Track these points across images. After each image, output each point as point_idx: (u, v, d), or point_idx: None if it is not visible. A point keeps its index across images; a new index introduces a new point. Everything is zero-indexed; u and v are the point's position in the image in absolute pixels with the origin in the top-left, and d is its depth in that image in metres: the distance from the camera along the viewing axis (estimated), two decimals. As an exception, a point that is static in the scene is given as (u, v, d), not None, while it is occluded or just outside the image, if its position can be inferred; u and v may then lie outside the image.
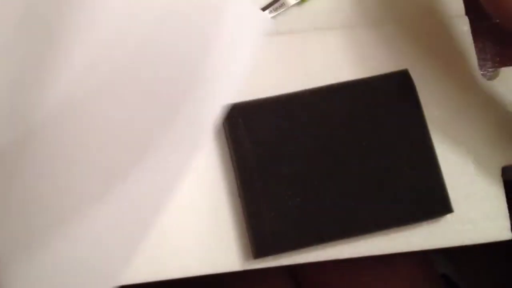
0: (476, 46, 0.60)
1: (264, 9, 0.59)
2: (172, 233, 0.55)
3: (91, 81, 0.40)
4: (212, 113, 0.44)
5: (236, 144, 0.55)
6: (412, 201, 0.55)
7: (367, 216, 0.54)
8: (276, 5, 0.59)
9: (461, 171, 0.57)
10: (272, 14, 0.59)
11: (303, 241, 0.54)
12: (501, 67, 0.61)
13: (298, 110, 0.56)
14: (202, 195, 0.56)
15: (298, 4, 0.60)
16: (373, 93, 0.57)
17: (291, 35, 0.60)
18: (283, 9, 0.59)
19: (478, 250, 0.59)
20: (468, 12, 0.61)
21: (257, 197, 0.54)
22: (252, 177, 0.54)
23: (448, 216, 0.56)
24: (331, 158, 0.55)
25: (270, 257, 0.54)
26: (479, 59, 0.60)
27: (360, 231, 0.55)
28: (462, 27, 0.60)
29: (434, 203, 0.55)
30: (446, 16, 0.61)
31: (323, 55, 0.59)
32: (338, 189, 0.54)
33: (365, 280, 0.70)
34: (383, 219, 0.54)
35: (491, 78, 0.60)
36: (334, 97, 0.56)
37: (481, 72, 0.60)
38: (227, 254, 0.55)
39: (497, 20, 0.50)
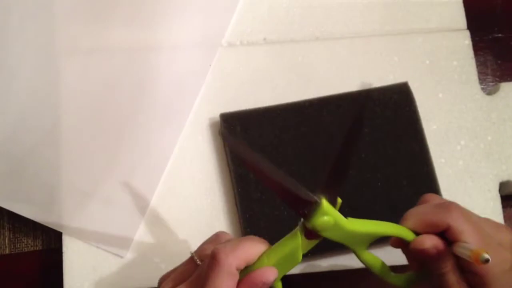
0: (476, 60, 0.60)
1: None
2: (167, 240, 0.55)
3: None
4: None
5: (233, 152, 0.55)
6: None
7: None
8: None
9: (458, 186, 0.57)
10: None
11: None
12: (502, 81, 0.61)
13: (296, 121, 0.56)
14: (199, 203, 0.56)
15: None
16: (373, 105, 0.56)
17: (292, 44, 0.60)
18: None
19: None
20: (470, 26, 0.61)
21: (253, 205, 0.54)
22: (249, 186, 0.54)
23: (445, 230, 0.55)
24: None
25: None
26: (479, 73, 0.60)
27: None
28: (464, 41, 0.60)
29: (431, 216, 0.55)
30: (448, 29, 0.61)
31: (324, 65, 0.59)
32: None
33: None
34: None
35: (490, 92, 0.59)
36: (333, 108, 0.56)
37: (481, 86, 0.60)
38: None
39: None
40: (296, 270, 0.54)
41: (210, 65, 0.59)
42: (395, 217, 0.53)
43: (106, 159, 0.56)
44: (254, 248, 0.40)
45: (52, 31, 0.58)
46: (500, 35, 0.64)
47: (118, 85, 0.58)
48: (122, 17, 0.59)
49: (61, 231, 0.54)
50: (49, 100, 0.57)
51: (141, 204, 0.55)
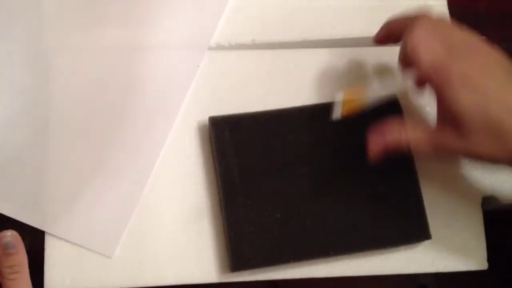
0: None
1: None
2: (151, 241, 0.55)
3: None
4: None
5: (221, 156, 0.55)
6: (391, 225, 0.55)
7: (346, 237, 0.55)
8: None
9: (442, 200, 0.58)
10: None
11: (280, 258, 0.54)
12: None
13: (285, 127, 0.56)
14: (184, 205, 0.56)
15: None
16: (361, 117, 0.56)
17: (283, 51, 0.60)
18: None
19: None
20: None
21: (238, 210, 0.54)
22: (235, 190, 0.54)
23: (426, 242, 0.56)
24: (314, 177, 0.55)
25: (246, 271, 0.54)
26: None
27: (338, 252, 0.55)
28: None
29: (413, 228, 0.55)
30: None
31: (314, 73, 0.59)
32: (319, 209, 0.55)
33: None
34: (362, 241, 0.55)
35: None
36: (322, 117, 0.56)
37: None
38: (204, 266, 0.55)
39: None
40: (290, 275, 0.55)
41: (198, 66, 0.59)
42: (376, 228, 0.54)
43: (93, 159, 0.56)
44: None
45: (41, 29, 0.58)
46: (483, 36, 0.64)
47: (105, 84, 0.58)
48: (110, 16, 0.59)
49: (46, 230, 0.54)
50: (37, 100, 0.57)
51: (127, 205, 0.55)
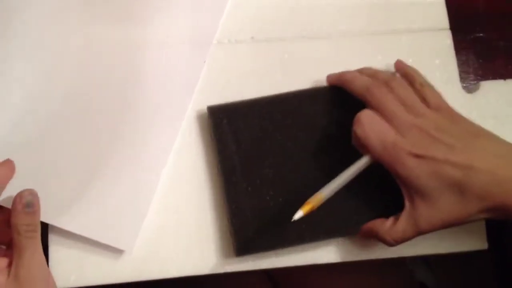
0: (459, 60, 0.62)
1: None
2: (154, 234, 0.55)
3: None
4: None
5: (220, 144, 0.56)
6: (392, 206, 0.54)
7: (349, 218, 0.55)
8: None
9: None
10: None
11: (284, 241, 0.55)
12: (483, 80, 0.62)
13: (282, 112, 0.57)
14: (186, 196, 0.57)
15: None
16: (355, 100, 0.57)
17: (279, 42, 0.61)
18: None
19: (456, 261, 0.59)
20: (452, 26, 0.63)
21: (240, 196, 0.55)
22: (236, 177, 0.55)
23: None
24: (313, 160, 0.56)
25: (250, 260, 0.55)
26: (462, 72, 0.62)
27: (341, 233, 0.56)
28: (445, 40, 0.62)
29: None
30: (431, 29, 0.62)
31: (309, 62, 0.60)
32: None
33: (344, 285, 0.71)
34: (363, 223, 0.55)
35: (471, 91, 0.61)
36: (317, 100, 0.57)
37: (463, 85, 0.61)
38: (208, 256, 0.55)
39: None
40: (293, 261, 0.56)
41: (204, 62, 0.59)
42: (377, 210, 0.55)
43: (104, 155, 0.56)
44: None
45: (42, 30, 0.58)
46: (481, 34, 0.65)
47: (113, 83, 0.58)
48: (115, 15, 0.60)
49: (59, 226, 0.54)
50: (42, 99, 0.57)
51: (143, 198, 0.56)
